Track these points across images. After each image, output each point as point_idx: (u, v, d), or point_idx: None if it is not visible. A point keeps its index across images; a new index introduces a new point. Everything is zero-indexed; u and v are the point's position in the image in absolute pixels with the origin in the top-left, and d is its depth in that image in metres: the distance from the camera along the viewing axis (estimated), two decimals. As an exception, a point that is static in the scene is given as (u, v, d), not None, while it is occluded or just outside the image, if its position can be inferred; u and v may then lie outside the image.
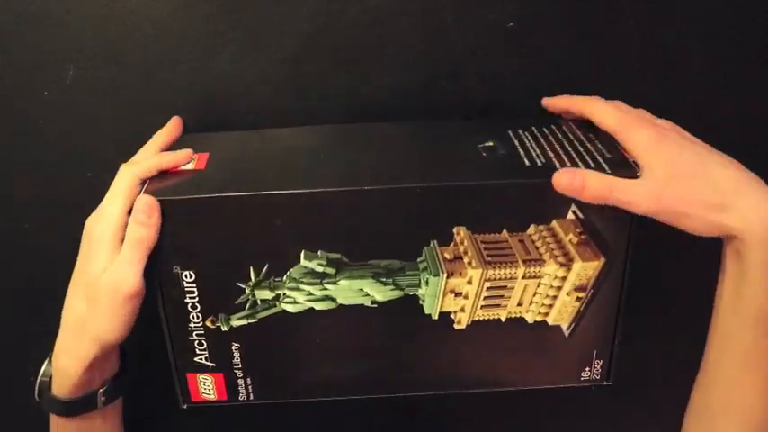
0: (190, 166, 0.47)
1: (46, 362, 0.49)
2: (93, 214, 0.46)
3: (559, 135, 0.49)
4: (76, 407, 0.48)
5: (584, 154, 0.46)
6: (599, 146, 0.47)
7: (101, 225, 0.45)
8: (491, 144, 0.48)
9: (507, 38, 0.53)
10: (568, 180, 0.43)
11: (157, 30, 0.52)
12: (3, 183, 0.55)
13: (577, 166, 0.45)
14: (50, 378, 0.48)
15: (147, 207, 0.44)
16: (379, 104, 0.54)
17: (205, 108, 0.53)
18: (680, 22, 0.53)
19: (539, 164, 0.46)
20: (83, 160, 0.54)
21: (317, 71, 0.53)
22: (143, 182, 0.46)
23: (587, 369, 0.52)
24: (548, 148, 0.47)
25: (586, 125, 0.50)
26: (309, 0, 0.52)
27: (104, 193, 0.46)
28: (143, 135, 0.50)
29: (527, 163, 0.46)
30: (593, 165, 0.45)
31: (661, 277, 0.58)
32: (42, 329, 0.49)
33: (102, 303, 0.44)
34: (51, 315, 0.49)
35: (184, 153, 0.48)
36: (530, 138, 0.49)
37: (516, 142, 0.49)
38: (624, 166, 0.45)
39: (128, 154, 0.49)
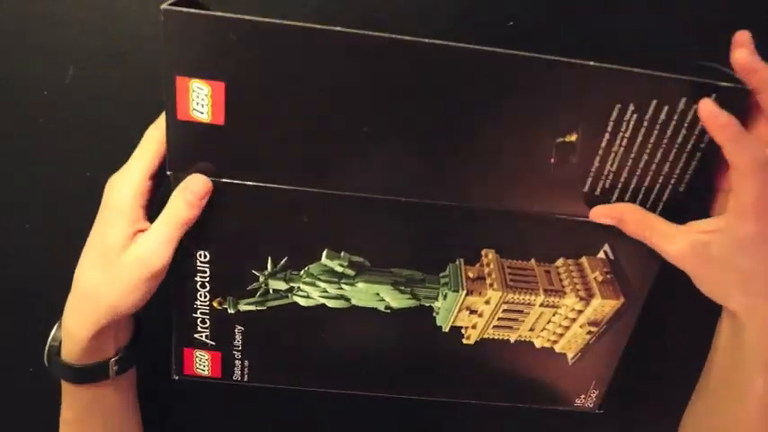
0: (205, 118, 0.41)
1: (56, 326, 0.47)
2: (117, 172, 0.44)
3: (677, 130, 0.42)
4: (87, 374, 0.46)
5: (657, 182, 0.43)
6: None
7: (122, 190, 0.43)
8: (572, 140, 0.42)
9: (507, 38, 0.53)
10: (605, 217, 0.44)
11: (157, 30, 0.52)
12: (3, 183, 0.55)
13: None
14: (59, 343, 0.46)
15: (201, 189, 0.42)
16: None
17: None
18: (680, 22, 0.53)
19: (597, 191, 0.43)
20: (83, 160, 0.54)
21: (317, 71, 0.53)
22: None
23: (582, 397, 0.52)
24: (630, 163, 0.42)
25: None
26: (309, 0, 0.52)
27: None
28: (143, 135, 0.50)
29: (586, 187, 0.43)
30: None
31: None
32: (42, 329, 0.49)
33: (123, 276, 0.42)
34: (51, 315, 0.49)
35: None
36: (629, 131, 0.42)
37: (606, 138, 0.42)
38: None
39: (127, 154, 0.48)
